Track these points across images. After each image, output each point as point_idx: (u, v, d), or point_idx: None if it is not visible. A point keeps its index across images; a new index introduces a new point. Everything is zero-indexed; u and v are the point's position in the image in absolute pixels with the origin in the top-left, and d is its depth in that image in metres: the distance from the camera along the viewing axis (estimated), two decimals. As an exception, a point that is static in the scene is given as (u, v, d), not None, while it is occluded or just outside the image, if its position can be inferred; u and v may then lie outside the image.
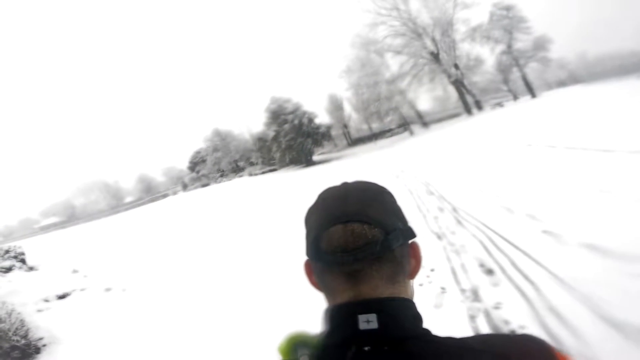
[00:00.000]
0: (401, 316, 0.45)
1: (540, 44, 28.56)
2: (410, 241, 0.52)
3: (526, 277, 2.66)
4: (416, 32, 28.32)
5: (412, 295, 0.52)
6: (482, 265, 3.10)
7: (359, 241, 0.46)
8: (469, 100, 28.82)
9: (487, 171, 6.58)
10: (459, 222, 4.36)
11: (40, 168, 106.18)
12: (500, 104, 27.90)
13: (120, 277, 6.22)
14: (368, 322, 0.43)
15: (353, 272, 0.46)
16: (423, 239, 4.17)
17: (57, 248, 11.39)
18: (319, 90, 59.01)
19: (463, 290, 2.81)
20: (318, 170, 21.36)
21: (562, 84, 32.71)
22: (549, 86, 33.26)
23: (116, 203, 57.75)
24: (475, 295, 2.70)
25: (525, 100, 25.67)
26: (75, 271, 6.50)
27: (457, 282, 2.96)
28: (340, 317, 0.46)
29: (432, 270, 3.31)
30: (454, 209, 4.98)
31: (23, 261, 7.44)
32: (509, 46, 28.84)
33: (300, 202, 9.12)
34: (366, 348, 0.42)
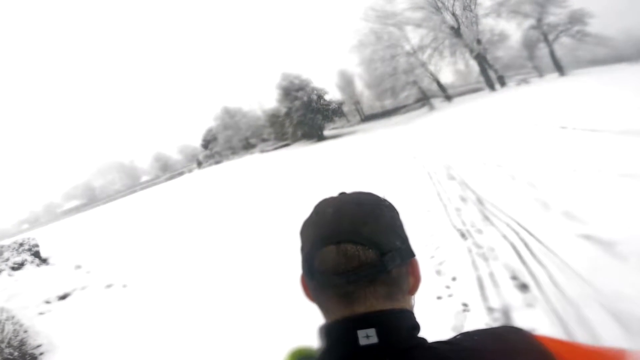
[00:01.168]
0: (399, 327, 0.44)
1: (578, 17, 25.90)
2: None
3: (567, 299, 2.16)
4: (435, 5, 26.53)
5: (412, 308, 0.51)
6: (514, 277, 2.59)
7: (352, 263, 0.44)
8: (491, 75, 27.20)
9: (516, 155, 5.87)
10: (486, 218, 3.80)
11: (60, 151, 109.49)
12: (525, 81, 26.17)
13: (122, 270, 6.05)
14: (367, 337, 0.42)
15: (346, 294, 0.45)
16: (445, 236, 3.68)
17: (69, 237, 11.52)
18: (330, 66, 57.40)
19: (491, 310, 2.34)
20: (329, 145, 21.84)
21: (596, 62, 29.88)
22: (580, 64, 30.53)
23: (132, 183, 58.80)
24: (506, 318, 2.23)
25: (553, 78, 23.95)
26: (78, 267, 6.36)
27: (484, 297, 2.48)
28: (339, 333, 0.44)
29: (454, 279, 2.84)
30: (479, 200, 4.41)
31: (36, 254, 7.36)
32: (539, 20, 26.63)
33: (310, 180, 8.72)
34: None
